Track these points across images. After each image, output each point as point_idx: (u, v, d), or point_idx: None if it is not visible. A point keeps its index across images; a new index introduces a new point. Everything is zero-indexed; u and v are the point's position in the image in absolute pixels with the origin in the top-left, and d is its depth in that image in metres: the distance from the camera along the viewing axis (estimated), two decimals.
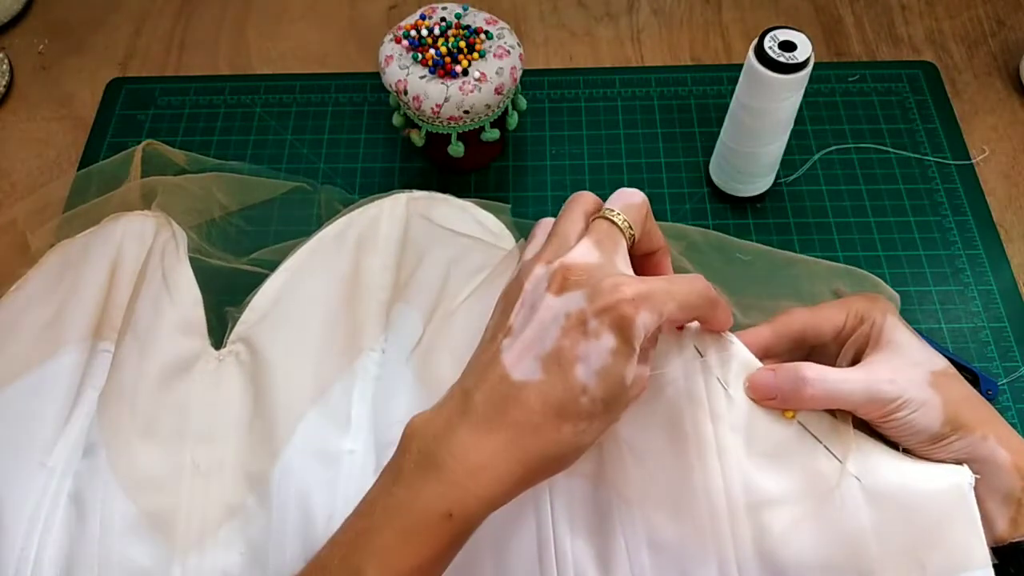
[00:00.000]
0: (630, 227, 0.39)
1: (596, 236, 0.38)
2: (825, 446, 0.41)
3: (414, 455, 0.36)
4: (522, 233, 0.58)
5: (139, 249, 0.56)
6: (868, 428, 0.43)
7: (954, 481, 0.40)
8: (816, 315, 0.45)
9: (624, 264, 0.39)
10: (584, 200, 0.41)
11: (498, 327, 0.38)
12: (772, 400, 0.41)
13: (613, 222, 0.39)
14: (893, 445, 0.42)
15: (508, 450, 0.35)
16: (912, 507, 0.40)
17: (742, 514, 0.40)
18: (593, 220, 0.40)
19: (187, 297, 0.55)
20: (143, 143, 0.64)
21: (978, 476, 0.40)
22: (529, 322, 0.37)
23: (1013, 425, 0.55)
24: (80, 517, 0.46)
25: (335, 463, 0.47)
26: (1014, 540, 0.40)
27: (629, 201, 0.40)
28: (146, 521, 0.46)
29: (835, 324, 0.45)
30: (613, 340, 0.35)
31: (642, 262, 0.43)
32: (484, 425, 0.35)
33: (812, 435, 0.41)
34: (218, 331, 0.55)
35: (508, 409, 0.35)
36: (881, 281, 0.57)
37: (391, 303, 0.54)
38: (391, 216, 0.58)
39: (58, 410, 0.50)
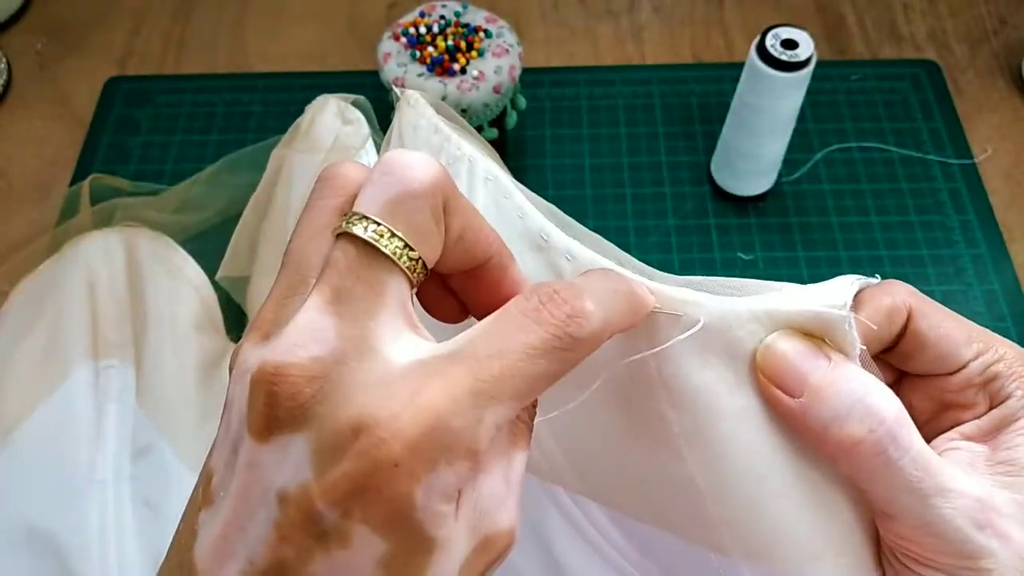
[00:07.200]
0: (408, 249, 0.20)
1: (333, 281, 0.20)
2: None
3: None
4: None
5: (108, 266, 0.54)
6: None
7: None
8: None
9: (395, 328, 0.20)
10: (335, 183, 0.22)
11: (207, 462, 0.22)
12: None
13: (368, 243, 0.20)
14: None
15: None
16: None
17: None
18: (335, 238, 0.21)
19: (199, 289, 0.55)
20: (89, 178, 0.61)
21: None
22: (227, 486, 0.20)
23: None
24: (156, 518, 0.46)
25: None
26: None
27: (391, 190, 0.21)
28: None
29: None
30: (380, 543, 0.19)
31: (473, 284, 0.24)
32: None
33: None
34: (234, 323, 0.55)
35: None
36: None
37: None
38: None
39: (89, 426, 0.49)
